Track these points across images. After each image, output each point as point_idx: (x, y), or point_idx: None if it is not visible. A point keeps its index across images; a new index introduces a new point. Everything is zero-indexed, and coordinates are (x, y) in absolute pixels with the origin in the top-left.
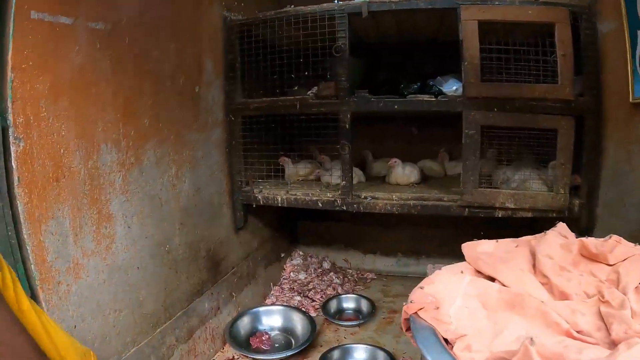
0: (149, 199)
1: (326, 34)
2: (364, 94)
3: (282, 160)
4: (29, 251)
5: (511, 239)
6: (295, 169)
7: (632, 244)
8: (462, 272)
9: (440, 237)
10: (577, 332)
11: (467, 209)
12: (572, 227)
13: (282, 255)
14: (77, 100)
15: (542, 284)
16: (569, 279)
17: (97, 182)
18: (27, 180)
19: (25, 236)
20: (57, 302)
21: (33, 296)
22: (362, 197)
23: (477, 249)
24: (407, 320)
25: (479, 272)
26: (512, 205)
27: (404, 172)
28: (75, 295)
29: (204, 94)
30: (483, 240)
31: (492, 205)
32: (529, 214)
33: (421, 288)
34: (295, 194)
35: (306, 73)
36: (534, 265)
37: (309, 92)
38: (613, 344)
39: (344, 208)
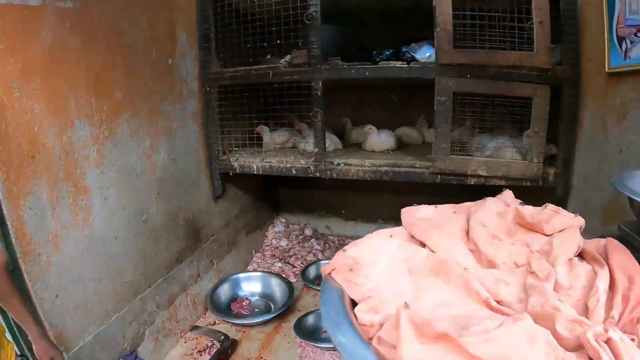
0: (124, 170)
1: (298, 2)
2: (336, 61)
3: (259, 129)
4: (9, 225)
5: (451, 204)
6: (272, 137)
7: (571, 215)
8: (390, 236)
9: (419, 203)
10: (497, 302)
11: (439, 176)
12: (547, 197)
13: (265, 222)
14: (49, 79)
15: (472, 251)
16: (498, 248)
17: (72, 156)
18: (4, 159)
19: (4, 212)
20: (38, 273)
21: (15, 268)
22: (335, 163)
23: (416, 214)
24: None
25: (413, 238)
26: (484, 173)
27: (379, 139)
28: (55, 266)
29: (178, 66)
30: (423, 205)
31: (464, 172)
32: (502, 182)
33: (344, 251)
34: (270, 162)
35: (279, 41)
36: (467, 233)
37: (282, 60)
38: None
39: (317, 175)
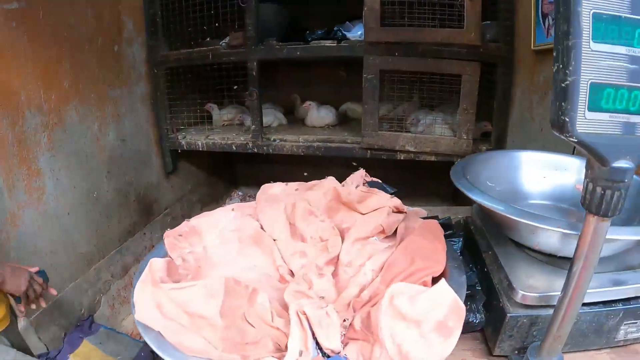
0: (74, 153)
1: None
2: (271, 42)
3: (208, 107)
4: None
5: (299, 182)
6: (220, 115)
7: (388, 196)
8: (232, 209)
9: None
10: (290, 272)
11: (369, 151)
12: None
13: (222, 196)
14: (1, 76)
15: (291, 225)
16: (309, 224)
17: (24, 143)
18: None
19: None
20: None
21: None
22: (272, 139)
23: (268, 191)
24: None
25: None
26: (412, 149)
27: (318, 115)
28: (14, 241)
29: (124, 52)
30: (278, 183)
31: (392, 148)
32: (432, 158)
33: (188, 220)
34: (214, 139)
35: (217, 25)
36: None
37: (221, 42)
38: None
39: (255, 150)
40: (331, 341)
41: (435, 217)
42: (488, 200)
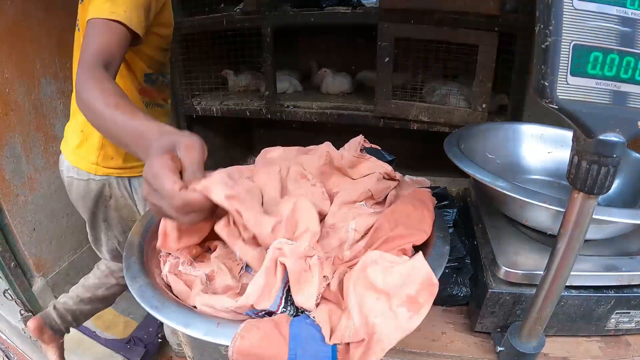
0: None
1: None
2: (285, 7)
3: (224, 73)
4: None
5: (298, 147)
6: (236, 81)
7: (382, 163)
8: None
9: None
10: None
11: (381, 120)
12: None
13: (238, 161)
14: (16, 46)
15: (283, 187)
16: (299, 187)
17: (40, 110)
18: None
19: None
20: (17, 210)
21: None
22: (285, 105)
23: (267, 155)
24: None
25: None
26: (426, 119)
27: (334, 82)
28: (32, 204)
29: None
30: (277, 147)
31: (405, 117)
32: (446, 129)
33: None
34: (228, 104)
35: None
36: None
37: (236, 8)
38: None
39: (269, 116)
40: (307, 300)
41: (444, 189)
42: (476, 171)
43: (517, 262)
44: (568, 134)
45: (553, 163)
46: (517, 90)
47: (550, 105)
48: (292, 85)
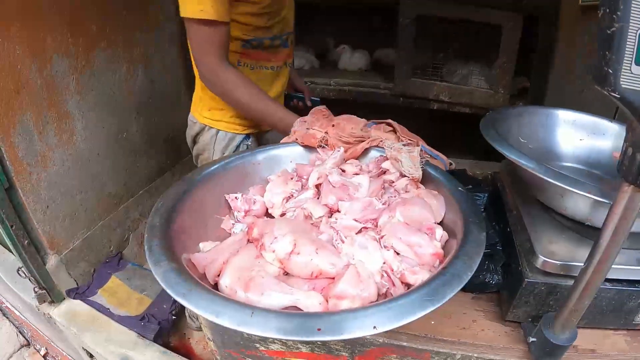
0: (103, 95)
1: None
2: None
3: None
4: (3, 151)
5: None
6: None
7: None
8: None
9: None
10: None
11: (401, 99)
12: None
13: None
14: (27, 24)
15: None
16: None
17: (52, 87)
18: None
19: None
20: (30, 188)
21: (11, 186)
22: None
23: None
24: None
25: None
26: (447, 99)
27: (351, 58)
28: (45, 182)
29: None
30: None
31: (426, 96)
32: (466, 110)
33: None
34: None
35: None
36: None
37: None
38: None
39: (286, 92)
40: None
41: (463, 171)
42: (517, 156)
43: (555, 251)
44: (600, 122)
45: (585, 151)
46: (539, 75)
47: (612, 94)
48: (308, 61)
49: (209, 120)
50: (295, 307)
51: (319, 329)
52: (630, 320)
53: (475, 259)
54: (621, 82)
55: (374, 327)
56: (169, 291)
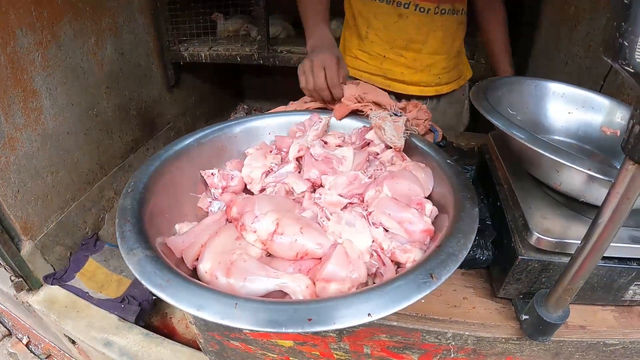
0: (70, 70)
1: None
2: None
3: (214, 16)
4: None
5: None
6: (225, 25)
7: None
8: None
9: None
10: None
11: None
12: None
13: (227, 110)
14: None
15: None
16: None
17: (17, 64)
18: None
19: None
20: None
21: None
22: (279, 51)
23: None
24: None
25: None
26: None
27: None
28: (14, 165)
29: None
30: None
31: None
32: None
33: None
34: (218, 50)
35: None
36: None
37: None
38: None
39: (261, 62)
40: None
41: (450, 143)
42: (513, 128)
43: (549, 228)
44: (590, 96)
45: (574, 124)
46: (523, 45)
47: (626, 68)
48: (284, 29)
49: None
50: (281, 291)
51: (309, 319)
52: (619, 297)
53: (469, 237)
54: (637, 56)
55: (369, 315)
56: (144, 282)
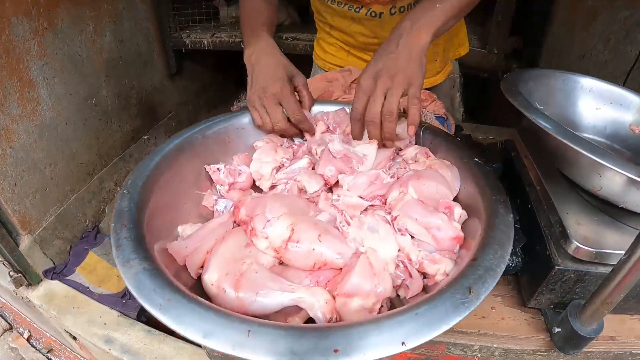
0: (68, 58)
1: None
2: None
3: (216, 2)
4: None
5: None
6: (229, 11)
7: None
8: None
9: None
10: None
11: None
12: None
13: (230, 98)
14: None
15: None
16: None
17: (12, 53)
18: None
19: None
20: None
21: None
22: (284, 38)
23: None
24: None
25: None
26: None
27: None
28: (11, 158)
29: None
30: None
31: None
32: None
33: None
34: (220, 37)
35: None
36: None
37: None
38: None
39: None
40: None
41: (467, 136)
42: (555, 128)
43: (588, 237)
44: (619, 92)
45: (602, 121)
46: (536, 36)
47: None
48: (289, 16)
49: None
50: (297, 306)
51: (335, 350)
52: None
53: (506, 247)
54: None
55: (403, 344)
56: (141, 302)
